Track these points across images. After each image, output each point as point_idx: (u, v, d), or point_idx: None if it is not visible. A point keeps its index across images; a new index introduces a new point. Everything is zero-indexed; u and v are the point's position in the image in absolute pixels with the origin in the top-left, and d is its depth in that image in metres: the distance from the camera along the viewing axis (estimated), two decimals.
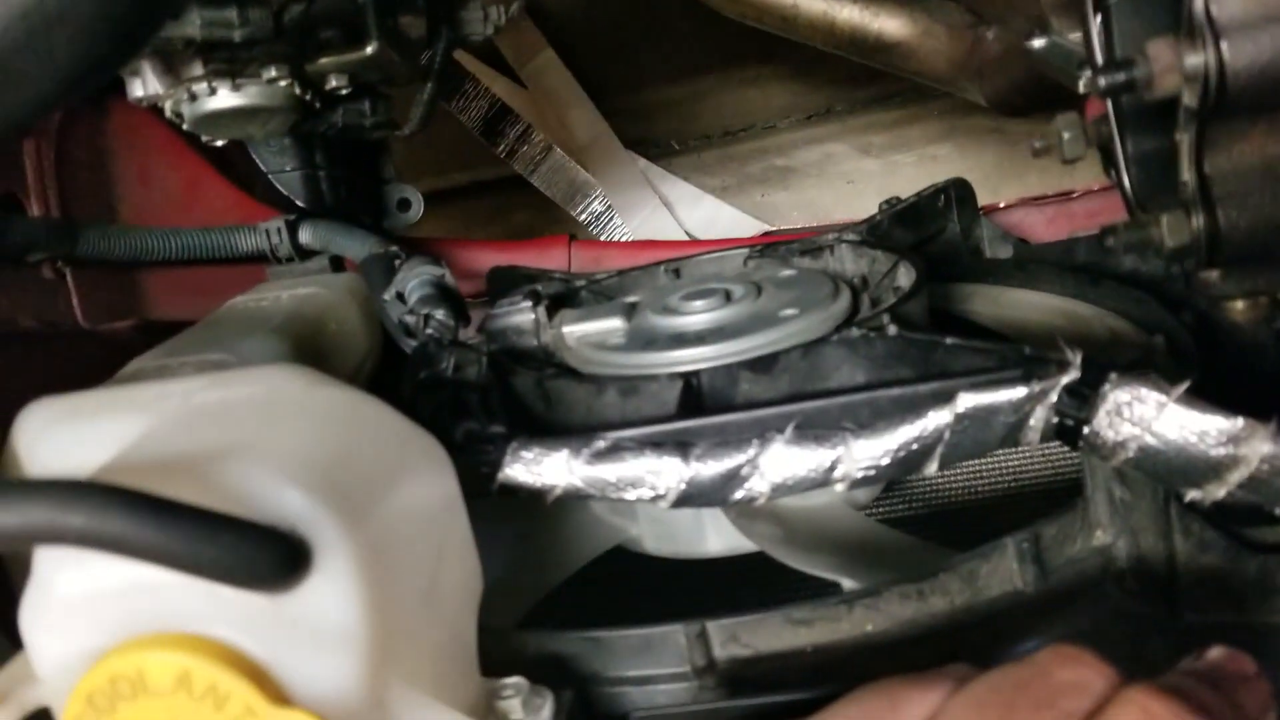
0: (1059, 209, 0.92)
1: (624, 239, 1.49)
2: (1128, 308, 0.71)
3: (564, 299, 0.74)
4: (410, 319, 0.65)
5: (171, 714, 0.34)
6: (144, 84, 0.72)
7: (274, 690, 0.34)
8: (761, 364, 0.57)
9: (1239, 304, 0.47)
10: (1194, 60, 0.40)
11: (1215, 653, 0.38)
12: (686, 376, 0.57)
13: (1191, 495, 0.46)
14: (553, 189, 1.52)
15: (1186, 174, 0.42)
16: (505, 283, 0.85)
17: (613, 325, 0.67)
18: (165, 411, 0.43)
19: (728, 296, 0.66)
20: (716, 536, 0.61)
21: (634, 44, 1.51)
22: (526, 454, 0.51)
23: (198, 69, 0.70)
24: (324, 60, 0.71)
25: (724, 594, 0.62)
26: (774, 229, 1.42)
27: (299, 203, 0.90)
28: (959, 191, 0.83)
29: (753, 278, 0.70)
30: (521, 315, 0.68)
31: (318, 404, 0.43)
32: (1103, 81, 0.42)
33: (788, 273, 0.71)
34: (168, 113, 0.73)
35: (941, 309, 0.81)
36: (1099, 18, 0.51)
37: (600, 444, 0.51)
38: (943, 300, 0.81)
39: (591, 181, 1.51)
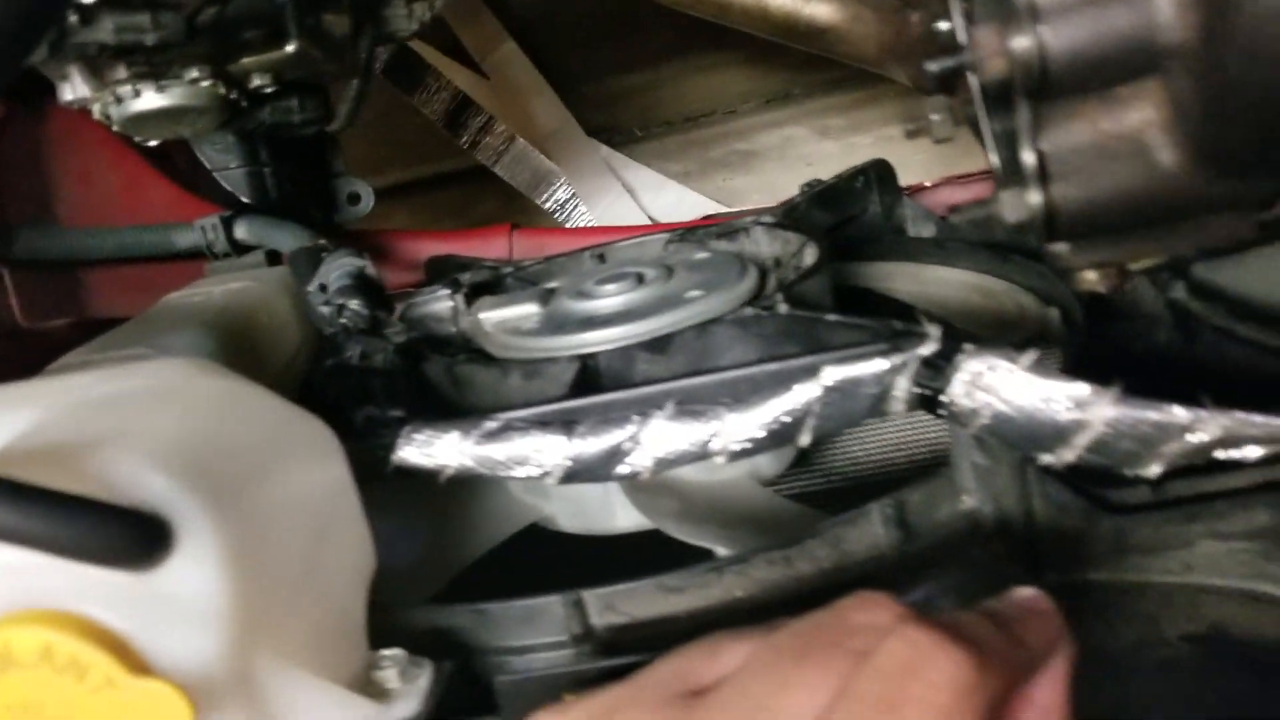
0: (983, 186, 0.94)
1: (589, 225, 1.51)
2: (1032, 282, 0.73)
3: (489, 286, 0.76)
4: (327, 309, 0.67)
5: (38, 685, 0.36)
6: (72, 88, 0.74)
7: (135, 661, 0.36)
8: (658, 344, 0.59)
9: (1090, 274, 0.49)
10: (1017, 44, 0.41)
11: (1013, 592, 0.40)
12: (584, 358, 0.59)
13: (1045, 459, 0.48)
14: (516, 179, 1.53)
15: (1023, 152, 0.44)
16: (440, 272, 0.87)
17: (528, 310, 0.69)
18: (57, 404, 0.45)
19: (640, 279, 0.68)
20: (624, 513, 0.63)
21: (595, 33, 1.53)
22: (419, 436, 0.53)
23: (121, 72, 0.72)
24: (246, 60, 0.73)
25: (633, 567, 0.64)
26: (732, 210, 1.44)
27: (244, 199, 0.92)
28: (879, 172, 0.85)
29: (669, 261, 0.72)
30: (440, 303, 0.70)
31: (199, 394, 0.45)
32: (934, 67, 0.44)
33: (701, 255, 0.73)
34: (96, 115, 0.75)
35: (862, 288, 0.83)
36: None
37: (490, 424, 0.53)
38: (865, 279, 0.83)
39: (555, 170, 1.53)
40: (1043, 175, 0.44)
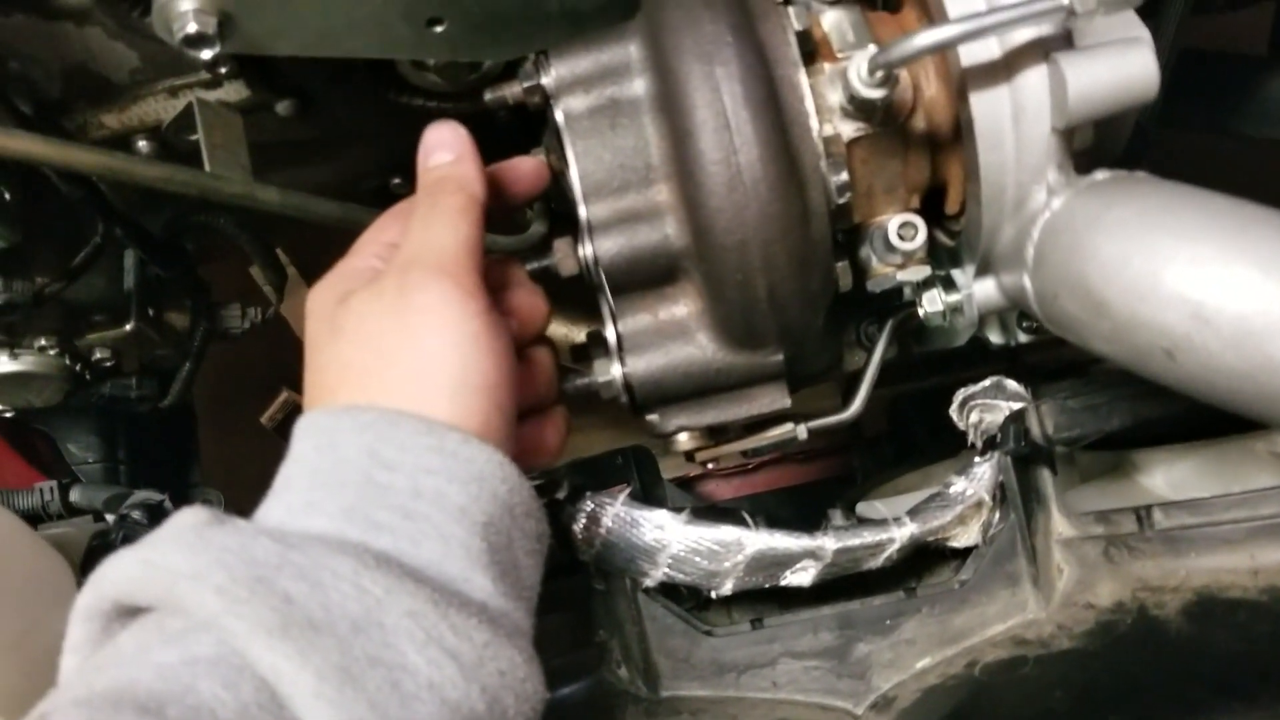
0: (744, 480, 1.09)
1: None
2: None
3: None
4: None
5: None
6: None
7: None
8: None
9: (682, 438, 0.62)
10: (582, 252, 0.57)
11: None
12: None
13: (644, 582, 0.59)
14: None
15: (606, 332, 0.59)
16: None
17: None
18: None
19: None
20: None
21: None
22: None
23: None
24: (91, 335, 0.89)
25: None
26: None
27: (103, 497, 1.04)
28: (639, 455, 1.00)
29: None
30: None
31: None
32: (529, 266, 0.59)
33: None
34: None
35: None
36: None
37: None
38: None
39: None
40: (620, 350, 0.59)
